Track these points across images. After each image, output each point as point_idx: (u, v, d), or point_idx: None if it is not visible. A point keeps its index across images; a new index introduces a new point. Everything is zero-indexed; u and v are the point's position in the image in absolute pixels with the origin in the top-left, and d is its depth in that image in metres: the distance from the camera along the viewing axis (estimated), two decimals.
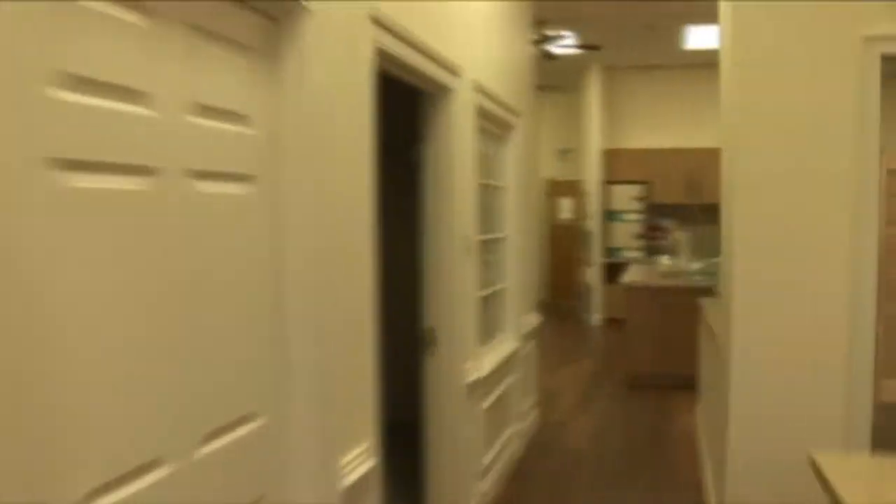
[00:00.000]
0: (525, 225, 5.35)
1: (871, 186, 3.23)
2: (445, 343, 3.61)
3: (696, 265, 7.14)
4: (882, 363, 3.43)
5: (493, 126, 4.63)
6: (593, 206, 10.87)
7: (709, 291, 6.20)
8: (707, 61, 11.50)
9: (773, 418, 3.39)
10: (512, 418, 5.00)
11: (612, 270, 10.81)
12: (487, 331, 4.57)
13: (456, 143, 3.58)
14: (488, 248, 4.60)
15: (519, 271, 5.07)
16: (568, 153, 13.38)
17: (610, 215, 10.99)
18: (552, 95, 13.43)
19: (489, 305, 4.61)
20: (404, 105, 3.58)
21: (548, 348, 8.62)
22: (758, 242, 3.39)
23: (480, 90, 4.02)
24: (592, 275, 10.88)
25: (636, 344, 7.12)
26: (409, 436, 3.95)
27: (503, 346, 4.80)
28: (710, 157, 10.00)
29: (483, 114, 4.20)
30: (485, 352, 4.42)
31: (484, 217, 4.45)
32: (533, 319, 5.73)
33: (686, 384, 6.91)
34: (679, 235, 8.11)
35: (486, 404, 4.28)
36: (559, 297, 13.72)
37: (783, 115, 3.34)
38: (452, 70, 3.46)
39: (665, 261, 7.44)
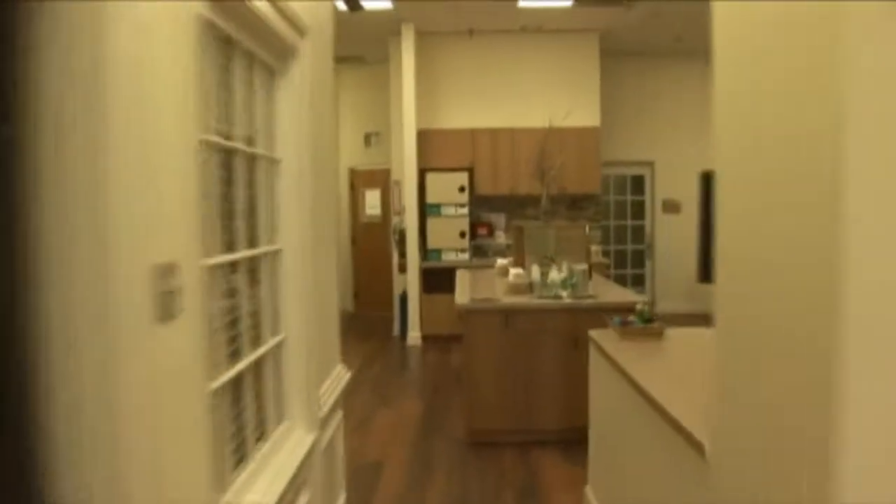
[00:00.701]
0: (321, 228, 3.17)
1: None
2: None
3: (554, 275, 5.34)
4: None
5: (253, 43, 2.42)
6: (407, 198, 8.87)
7: (595, 317, 4.38)
8: (541, 24, 10.08)
9: None
10: None
11: (433, 277, 8.88)
12: (242, 443, 2.36)
13: (122, 66, 1.38)
14: (244, 274, 2.40)
15: (309, 308, 2.88)
16: (374, 137, 11.30)
17: (428, 209, 9.04)
18: (355, 68, 11.28)
19: (244, 389, 2.40)
20: None
21: (356, 383, 6.49)
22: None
23: None
24: (408, 283, 8.88)
25: (481, 385, 5.17)
26: None
27: (284, 456, 2.61)
28: (552, 139, 8.52)
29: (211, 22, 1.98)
30: (240, 487, 2.21)
31: (229, 219, 2.25)
32: (339, 377, 3.59)
33: (560, 439, 5.07)
34: (538, 233, 6.29)
35: None
36: (367, 308, 11.64)
37: None
38: None
39: (512, 270, 5.59)
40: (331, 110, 3.54)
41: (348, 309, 11.79)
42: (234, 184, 2.30)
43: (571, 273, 5.36)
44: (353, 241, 11.79)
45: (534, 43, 9.36)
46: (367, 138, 11.38)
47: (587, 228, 6.38)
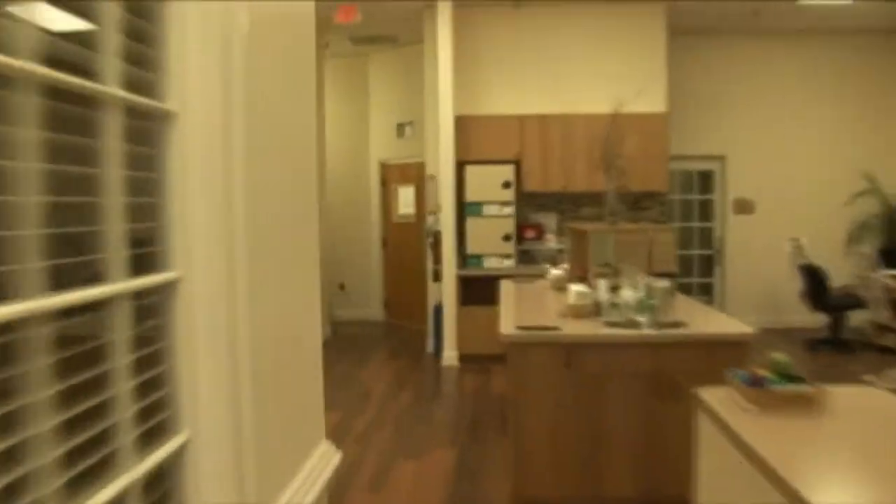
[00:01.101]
0: (278, 236, 1.96)
1: None
2: None
3: (628, 293, 4.10)
4: None
5: None
6: (443, 196, 7.68)
7: (689, 354, 3.18)
8: None
9: None
10: None
11: (472, 286, 7.68)
12: None
13: None
14: (94, 326, 1.22)
15: (242, 379, 1.66)
16: (408, 127, 10.13)
17: (468, 209, 7.83)
18: (385, 51, 10.13)
19: None
20: None
21: (377, 417, 5.30)
22: None
23: None
24: (444, 293, 7.69)
25: (533, 438, 3.95)
26: None
27: None
28: (618, 125, 7.24)
29: None
30: None
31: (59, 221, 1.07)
32: (323, 463, 2.39)
33: None
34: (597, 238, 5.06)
35: None
36: (399, 318, 10.49)
37: None
38: None
39: (573, 287, 4.36)
40: (308, 66, 2.34)
41: (378, 318, 10.66)
42: (59, 153, 1.12)
43: (650, 292, 4.12)
44: (385, 243, 10.65)
45: (590, 15, 8.09)
46: (400, 129, 10.22)
47: (665, 232, 5.12)
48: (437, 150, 7.85)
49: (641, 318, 3.99)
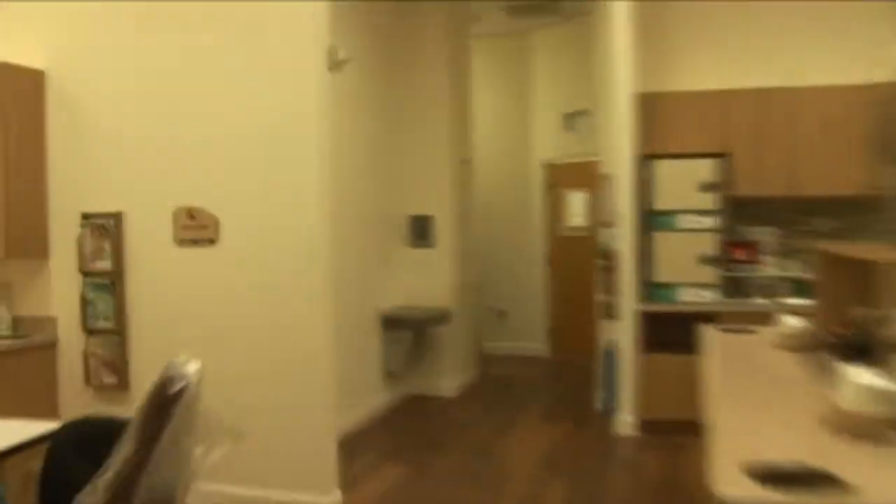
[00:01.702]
0: None
1: None
2: None
3: None
4: None
5: None
6: (622, 202, 5.68)
7: None
8: None
9: None
10: None
11: (660, 326, 5.61)
12: None
13: None
14: None
15: None
16: (579, 118, 8.19)
17: (655, 220, 5.77)
18: (549, 27, 8.26)
19: None
20: None
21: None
22: None
23: None
24: (620, 333, 5.68)
25: None
26: None
27: None
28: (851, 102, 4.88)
29: None
30: None
31: None
32: None
33: None
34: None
35: None
36: (566, 353, 8.55)
37: None
38: None
39: (858, 374, 2.34)
40: None
41: (540, 353, 8.77)
42: None
43: None
44: (551, 260, 8.76)
45: None
46: (569, 120, 8.29)
47: None
48: (611, 142, 5.88)
49: None
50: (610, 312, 5.80)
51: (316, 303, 4.11)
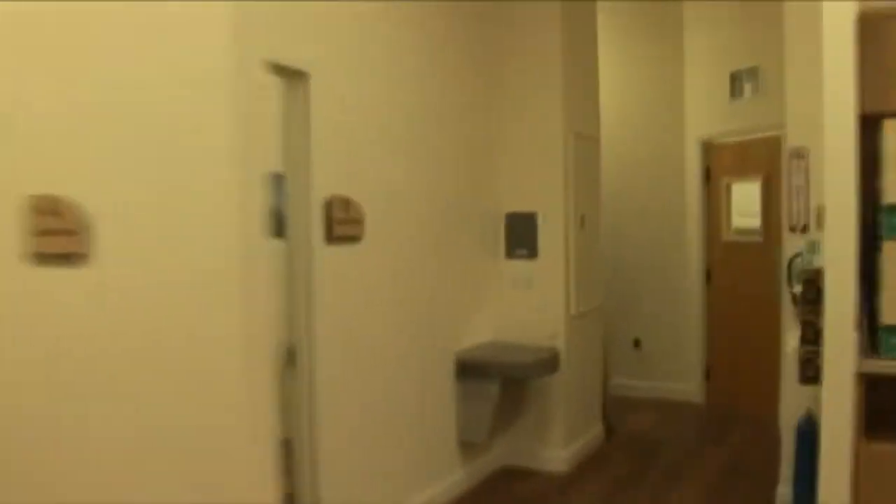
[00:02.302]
0: None
1: None
2: None
3: None
4: None
5: None
6: (829, 192, 3.49)
7: None
8: None
9: None
10: None
11: (892, 398, 3.40)
12: None
13: None
14: None
15: None
16: (750, 78, 5.97)
17: (884, 221, 3.52)
18: None
19: None
20: None
21: None
22: None
23: None
24: (826, 406, 3.49)
25: None
26: None
27: None
28: None
29: None
30: None
31: None
32: None
33: None
34: None
35: None
36: (726, 397, 6.37)
37: None
38: None
39: None
40: None
41: (693, 399, 6.62)
42: None
43: None
44: (709, 275, 6.58)
45: None
46: (736, 82, 6.09)
47: None
48: (808, 97, 3.72)
49: None
50: (809, 373, 3.62)
51: (225, 359, 2.51)
